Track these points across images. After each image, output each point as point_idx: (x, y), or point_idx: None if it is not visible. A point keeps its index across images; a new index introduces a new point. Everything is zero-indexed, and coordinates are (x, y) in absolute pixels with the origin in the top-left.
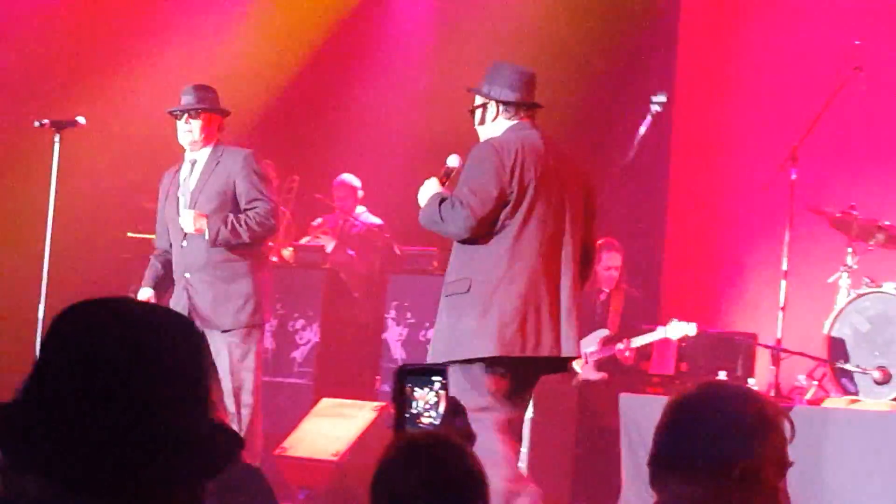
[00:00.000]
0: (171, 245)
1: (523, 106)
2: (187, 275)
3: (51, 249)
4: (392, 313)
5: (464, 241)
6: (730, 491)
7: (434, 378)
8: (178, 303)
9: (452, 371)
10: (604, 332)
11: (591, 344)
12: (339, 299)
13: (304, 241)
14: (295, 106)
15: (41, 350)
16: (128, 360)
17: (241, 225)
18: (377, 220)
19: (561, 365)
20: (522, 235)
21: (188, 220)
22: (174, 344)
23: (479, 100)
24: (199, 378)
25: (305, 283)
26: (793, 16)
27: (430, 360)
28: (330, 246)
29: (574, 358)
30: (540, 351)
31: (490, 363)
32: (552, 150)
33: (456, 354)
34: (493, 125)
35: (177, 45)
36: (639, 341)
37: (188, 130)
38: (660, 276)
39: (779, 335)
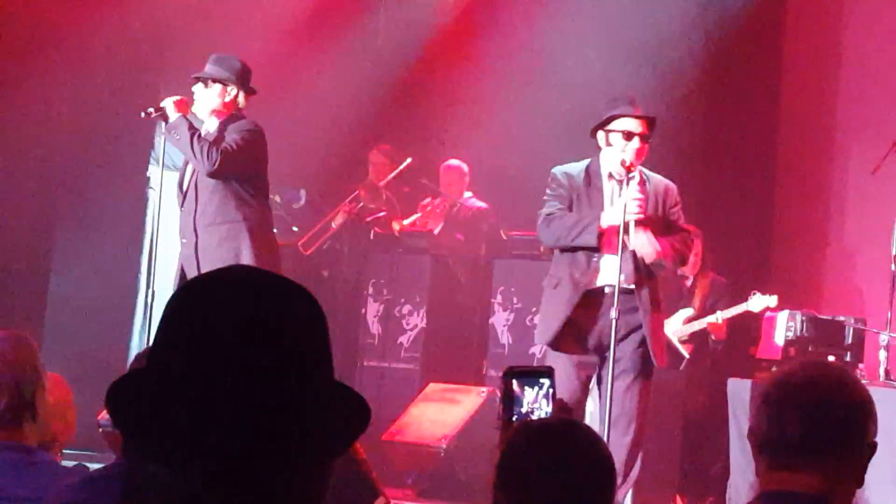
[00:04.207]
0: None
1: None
2: (183, 240)
3: (156, 233)
4: (498, 298)
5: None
6: (850, 469)
7: (541, 379)
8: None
9: None
10: (688, 312)
11: (676, 323)
12: (445, 284)
13: (412, 218)
14: (409, 92)
15: (159, 325)
16: (253, 335)
17: (199, 140)
18: (483, 205)
19: None
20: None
21: (169, 100)
22: (299, 313)
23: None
24: (325, 344)
25: (412, 268)
26: None
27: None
28: (437, 227)
29: None
30: None
31: None
32: None
33: None
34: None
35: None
36: (727, 314)
37: (198, 98)
38: (768, 260)
39: (889, 320)
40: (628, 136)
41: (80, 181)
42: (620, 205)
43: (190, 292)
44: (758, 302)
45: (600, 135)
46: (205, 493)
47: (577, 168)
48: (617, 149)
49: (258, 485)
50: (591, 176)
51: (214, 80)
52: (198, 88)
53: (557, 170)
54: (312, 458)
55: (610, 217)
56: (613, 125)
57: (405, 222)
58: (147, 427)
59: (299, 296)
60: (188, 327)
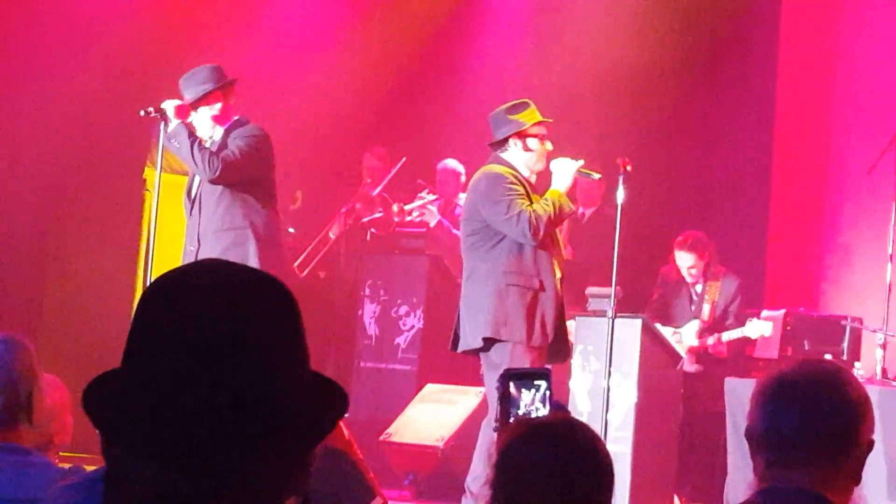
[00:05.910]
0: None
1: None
2: (191, 248)
3: (153, 235)
4: None
5: None
6: (846, 466)
7: (538, 381)
8: None
9: None
10: (697, 325)
11: (687, 336)
12: (442, 285)
13: (413, 205)
14: (404, 93)
15: (132, 322)
16: (222, 325)
17: (200, 149)
18: None
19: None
20: None
21: (170, 104)
22: (268, 304)
23: None
24: (297, 335)
25: (409, 269)
26: None
27: None
28: (433, 220)
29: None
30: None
31: None
32: None
33: None
34: None
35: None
36: (725, 337)
37: (195, 122)
38: (765, 259)
39: (885, 318)
40: (543, 139)
41: (77, 183)
42: (561, 169)
43: (160, 288)
44: (754, 328)
45: (515, 141)
46: (182, 485)
47: (507, 169)
48: (536, 153)
49: (234, 475)
50: (523, 179)
51: (196, 104)
52: (192, 115)
53: (498, 172)
54: (289, 447)
55: (560, 182)
56: (534, 130)
57: (406, 207)
58: (124, 423)
59: (270, 288)
60: (157, 323)
